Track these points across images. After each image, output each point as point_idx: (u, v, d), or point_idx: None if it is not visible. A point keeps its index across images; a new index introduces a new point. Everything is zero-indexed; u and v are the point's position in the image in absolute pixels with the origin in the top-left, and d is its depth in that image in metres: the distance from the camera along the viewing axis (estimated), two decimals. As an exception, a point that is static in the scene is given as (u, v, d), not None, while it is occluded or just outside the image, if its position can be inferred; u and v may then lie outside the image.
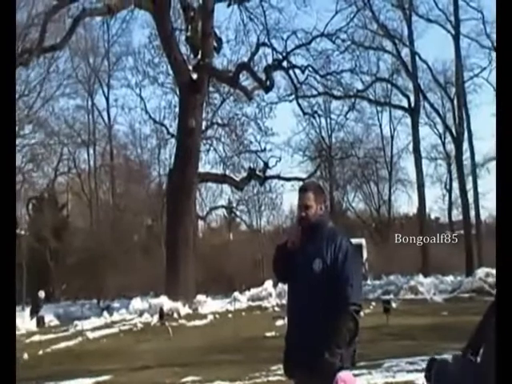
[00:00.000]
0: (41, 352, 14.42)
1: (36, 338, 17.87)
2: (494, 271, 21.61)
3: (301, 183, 36.01)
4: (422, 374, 8.20)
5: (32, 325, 21.83)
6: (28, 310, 25.30)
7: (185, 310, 20.39)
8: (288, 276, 3.97)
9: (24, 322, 21.98)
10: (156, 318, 18.79)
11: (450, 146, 36.43)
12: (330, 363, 3.53)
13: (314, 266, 3.73)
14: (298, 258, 3.83)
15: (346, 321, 3.61)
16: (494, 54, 30.39)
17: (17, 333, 19.16)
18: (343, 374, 2.90)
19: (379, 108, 40.54)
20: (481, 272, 22.15)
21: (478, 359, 3.13)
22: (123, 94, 67.04)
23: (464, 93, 31.95)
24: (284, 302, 20.78)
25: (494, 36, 30.51)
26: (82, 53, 36.33)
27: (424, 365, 8.87)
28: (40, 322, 22.29)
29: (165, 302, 20.20)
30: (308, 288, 3.78)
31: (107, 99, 38.75)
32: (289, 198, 78.20)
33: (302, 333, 3.78)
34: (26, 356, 13.74)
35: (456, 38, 30.97)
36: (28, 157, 35.87)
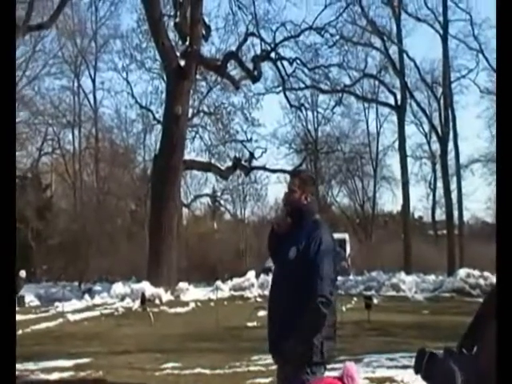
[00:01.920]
0: (20, 332, 14.30)
1: (16, 317, 17.71)
2: (475, 272, 21.90)
3: (286, 176, 36.34)
4: (402, 371, 8.34)
5: (12, 304, 21.68)
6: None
7: (167, 296, 20.38)
8: (274, 257, 4.06)
9: (4, 300, 21.83)
10: (137, 303, 18.74)
11: (436, 146, 36.80)
12: (293, 352, 3.60)
13: (290, 253, 3.76)
14: (282, 243, 3.90)
15: (311, 312, 3.61)
16: (481, 56, 30.67)
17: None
18: (351, 365, 2.95)
19: (366, 104, 40.80)
20: (462, 272, 22.39)
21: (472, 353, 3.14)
22: (110, 77, 66.60)
23: (451, 93, 32.18)
24: (266, 293, 20.88)
25: (481, 38, 30.84)
26: (69, 33, 36.00)
27: (404, 361, 9.07)
28: (20, 301, 22.13)
29: (147, 287, 20.17)
30: (282, 275, 3.86)
31: (93, 81, 38.54)
32: (274, 190, 78.32)
33: (274, 319, 3.85)
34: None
35: (444, 39, 31.16)
36: (12, 135, 35.43)
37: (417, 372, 3.27)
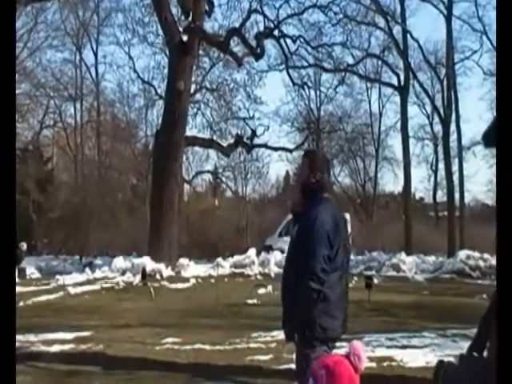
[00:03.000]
0: (21, 303, 14.38)
1: (17, 289, 17.71)
2: (475, 254, 21.94)
3: (288, 154, 36.32)
4: (401, 350, 8.37)
5: (13, 276, 21.78)
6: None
7: (167, 271, 20.41)
8: None
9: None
10: (138, 277, 18.80)
11: (438, 127, 36.74)
12: (293, 328, 3.76)
13: (293, 231, 3.92)
14: (294, 221, 4.05)
15: (302, 288, 3.71)
16: (484, 38, 30.43)
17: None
18: (358, 343, 2.94)
19: (369, 84, 40.61)
20: (462, 254, 22.41)
21: (485, 355, 3.12)
22: (112, 50, 66.68)
23: (454, 75, 31.99)
24: (266, 270, 20.95)
25: (485, 20, 30.59)
26: (72, 6, 35.61)
27: (403, 341, 9.10)
28: (21, 273, 22.23)
29: (147, 262, 20.20)
30: (288, 252, 4.02)
31: (95, 55, 38.36)
32: (275, 168, 78.22)
33: (283, 297, 3.96)
34: (6, 307, 13.72)
35: (448, 20, 30.89)
36: (13, 107, 35.28)
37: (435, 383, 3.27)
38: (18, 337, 9.65)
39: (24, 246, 25.76)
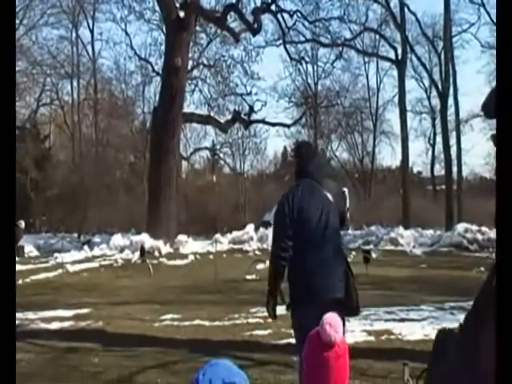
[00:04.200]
0: (20, 281, 14.40)
1: (16, 267, 17.83)
2: (473, 227, 21.98)
3: (285, 129, 36.20)
4: (399, 323, 8.41)
5: (11, 254, 21.81)
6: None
7: (166, 248, 20.47)
8: None
9: (3, 251, 21.96)
10: (137, 255, 18.85)
11: (435, 101, 36.51)
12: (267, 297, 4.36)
13: None
14: None
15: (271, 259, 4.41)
16: (482, 10, 30.12)
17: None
18: (328, 316, 2.83)
19: (366, 58, 40.33)
20: (460, 227, 22.45)
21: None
22: (108, 27, 65.86)
23: (451, 48, 31.75)
24: (265, 246, 20.98)
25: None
26: (67, -18, 35.19)
27: (402, 314, 9.11)
28: (20, 251, 22.24)
29: (146, 239, 20.25)
30: None
31: (92, 32, 37.90)
32: (273, 144, 77.98)
33: None
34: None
35: (446, -8, 30.50)
36: (10, 85, 35.08)
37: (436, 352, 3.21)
38: (18, 315, 9.68)
39: (22, 224, 25.72)
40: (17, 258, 20.97)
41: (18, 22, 32.50)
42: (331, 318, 2.81)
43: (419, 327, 7.98)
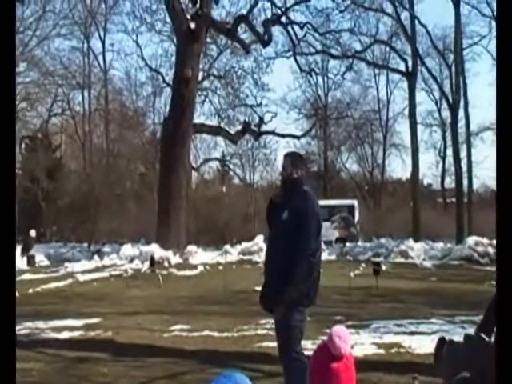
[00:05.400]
0: (31, 290, 14.48)
1: (26, 276, 17.95)
2: (483, 240, 21.83)
3: (295, 141, 36.23)
4: (409, 337, 8.37)
5: (23, 263, 21.94)
6: (19, 248, 25.37)
7: (175, 259, 20.50)
8: (270, 224, 4.94)
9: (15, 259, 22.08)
10: (146, 265, 18.87)
11: (446, 113, 36.47)
12: (286, 297, 4.43)
13: (284, 215, 4.63)
14: (277, 209, 4.77)
15: (302, 261, 4.46)
16: (494, 23, 30.07)
17: (7, 270, 19.23)
18: (337, 328, 2.85)
19: (377, 70, 40.39)
20: (471, 240, 22.32)
21: (492, 339, 3.06)
22: (120, 39, 66.23)
23: (462, 60, 31.72)
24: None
25: (494, 5, 30.12)
26: (79, -6, 35.55)
27: (411, 327, 9.09)
28: (31, 260, 22.37)
29: (156, 249, 20.28)
30: (276, 233, 4.76)
31: (103, 43, 38.26)
32: (283, 155, 78.14)
33: (270, 271, 4.75)
34: (16, 294, 13.81)
35: (456, 4, 30.54)
36: (22, 95, 35.46)
37: (437, 361, 3.19)
38: (28, 324, 9.75)
39: (33, 233, 25.91)
40: (28, 268, 21.13)
41: (30, 32, 33.00)
42: (340, 331, 2.82)
43: (429, 340, 7.90)
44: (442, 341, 3.03)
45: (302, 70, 33.19)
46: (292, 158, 4.94)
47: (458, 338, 2.89)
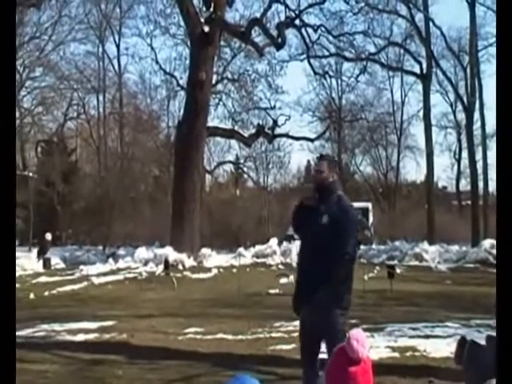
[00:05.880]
0: (46, 293, 14.59)
1: (42, 279, 18.10)
2: (499, 243, 21.64)
3: (309, 143, 36.20)
4: (424, 340, 8.33)
5: (38, 266, 22.13)
6: (35, 251, 25.59)
7: (189, 262, 20.53)
8: (301, 226, 4.86)
9: (31, 262, 22.30)
10: (161, 267, 18.94)
11: (461, 115, 36.22)
12: (324, 300, 4.42)
13: (323, 219, 4.60)
14: (312, 213, 4.70)
15: (341, 265, 4.51)
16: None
17: (23, 273, 19.43)
18: (355, 332, 2.85)
19: (391, 72, 40.18)
20: (486, 243, 22.18)
21: None
22: (134, 42, 66.61)
23: (477, 62, 31.51)
24: (288, 260, 20.94)
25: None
26: (94, -1, 35.83)
27: (426, 331, 9.04)
28: (46, 263, 22.51)
29: (170, 252, 20.34)
30: (315, 237, 4.66)
31: (118, 47, 38.44)
32: (297, 158, 77.97)
33: (307, 274, 4.67)
34: (32, 296, 13.95)
35: (471, 6, 30.35)
36: (38, 99, 35.87)
37: (458, 362, 3.17)
38: (44, 326, 9.83)
39: (49, 236, 26.11)
40: (43, 270, 21.30)
41: (46, 37, 33.39)
42: (358, 334, 2.83)
43: (444, 344, 7.88)
44: (462, 341, 3.01)
45: (315, 73, 33.20)
46: (328, 161, 4.88)
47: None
